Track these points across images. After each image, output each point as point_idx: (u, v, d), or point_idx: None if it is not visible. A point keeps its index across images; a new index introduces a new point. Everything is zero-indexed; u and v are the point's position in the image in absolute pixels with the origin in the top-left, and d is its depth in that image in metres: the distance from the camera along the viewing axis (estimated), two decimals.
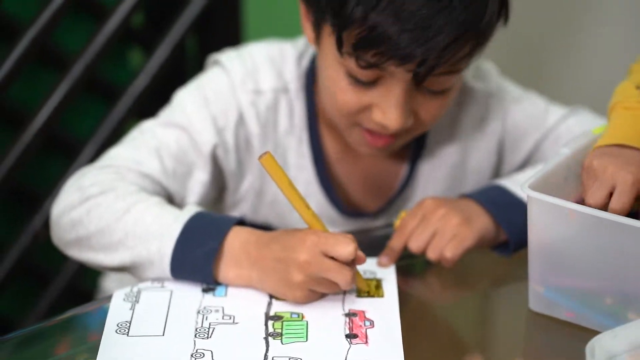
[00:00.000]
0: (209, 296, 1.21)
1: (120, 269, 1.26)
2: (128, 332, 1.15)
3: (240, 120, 1.35)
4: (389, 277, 1.24)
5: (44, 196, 1.77)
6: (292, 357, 1.10)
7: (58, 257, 1.45)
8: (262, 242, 1.19)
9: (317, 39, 1.28)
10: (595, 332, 1.03)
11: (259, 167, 1.36)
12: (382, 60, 1.19)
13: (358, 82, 1.24)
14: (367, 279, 1.23)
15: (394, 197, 1.43)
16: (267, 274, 1.18)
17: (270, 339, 1.14)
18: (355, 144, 1.33)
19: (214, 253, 1.19)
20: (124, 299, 1.21)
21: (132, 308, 1.19)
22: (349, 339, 1.13)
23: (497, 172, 1.46)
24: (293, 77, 1.37)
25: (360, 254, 1.17)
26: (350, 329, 1.15)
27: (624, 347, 0.99)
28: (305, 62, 1.39)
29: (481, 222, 1.27)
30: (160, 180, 1.31)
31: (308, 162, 1.39)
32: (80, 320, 1.24)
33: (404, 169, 1.43)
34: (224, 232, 1.20)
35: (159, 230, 1.21)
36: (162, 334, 1.15)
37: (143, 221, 1.23)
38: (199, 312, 1.18)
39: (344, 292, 1.20)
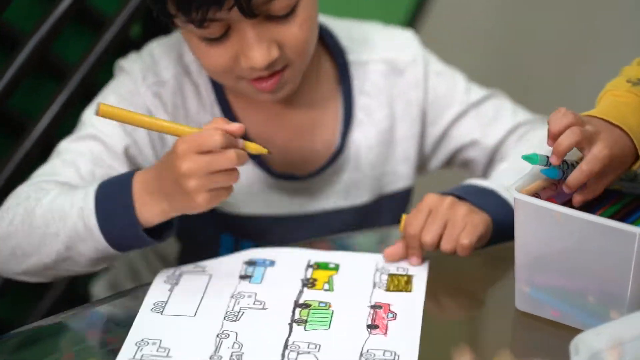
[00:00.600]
0: (245, 282, 1.25)
1: (63, 262, 1.27)
2: (163, 311, 1.20)
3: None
4: (420, 274, 1.27)
5: None
6: (312, 343, 1.14)
7: None
8: (155, 174, 1.22)
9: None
10: (579, 331, 1.04)
11: None
12: (205, 11, 1.22)
13: (213, 41, 1.27)
14: (398, 275, 1.25)
15: (329, 162, 1.45)
16: (170, 197, 1.21)
17: (294, 324, 1.17)
18: (254, 96, 1.35)
19: (131, 204, 1.21)
20: (165, 281, 1.26)
21: (171, 289, 1.24)
22: (369, 329, 1.16)
23: (422, 141, 1.50)
24: (193, 58, 1.40)
25: (234, 126, 1.18)
26: (373, 320, 1.18)
27: (607, 345, 1.00)
28: None
29: (482, 213, 1.29)
30: (79, 185, 1.33)
31: None
32: (68, 325, 1.26)
33: (335, 135, 1.45)
34: (129, 183, 1.22)
35: (75, 206, 1.24)
36: (193, 315, 1.19)
37: (57, 205, 1.26)
38: (232, 296, 1.22)
39: (374, 286, 1.23)
